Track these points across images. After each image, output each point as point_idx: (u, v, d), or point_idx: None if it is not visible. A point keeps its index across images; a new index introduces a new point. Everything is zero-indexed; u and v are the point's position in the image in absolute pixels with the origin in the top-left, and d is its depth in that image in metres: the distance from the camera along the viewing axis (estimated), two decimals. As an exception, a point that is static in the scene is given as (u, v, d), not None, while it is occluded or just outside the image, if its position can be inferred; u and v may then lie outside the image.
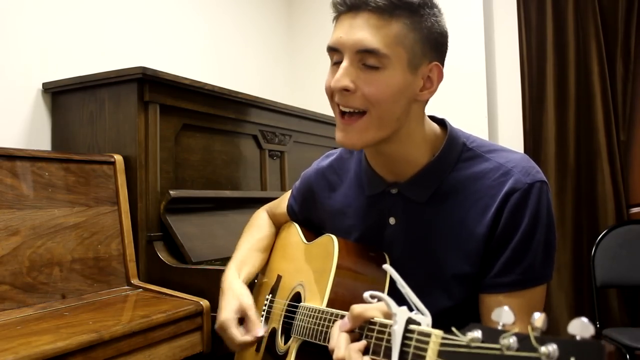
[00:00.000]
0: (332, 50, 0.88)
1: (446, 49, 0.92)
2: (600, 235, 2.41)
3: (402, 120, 0.89)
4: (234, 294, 1.08)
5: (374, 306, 0.72)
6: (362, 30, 0.83)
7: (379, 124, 0.87)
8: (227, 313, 1.05)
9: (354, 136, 0.88)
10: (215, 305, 1.33)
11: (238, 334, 1.03)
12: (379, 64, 0.84)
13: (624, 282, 2.37)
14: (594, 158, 2.61)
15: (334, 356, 0.72)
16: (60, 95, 1.77)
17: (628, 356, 2.04)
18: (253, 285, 1.18)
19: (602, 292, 2.48)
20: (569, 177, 2.66)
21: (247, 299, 1.07)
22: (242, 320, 1.06)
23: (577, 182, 2.65)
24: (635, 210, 2.60)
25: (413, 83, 0.87)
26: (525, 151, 2.69)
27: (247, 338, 1.02)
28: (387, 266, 0.73)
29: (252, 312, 1.05)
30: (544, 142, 2.69)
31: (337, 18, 0.89)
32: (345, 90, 0.85)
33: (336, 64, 0.88)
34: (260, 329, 1.04)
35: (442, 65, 0.91)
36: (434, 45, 0.88)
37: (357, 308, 0.72)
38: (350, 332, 0.73)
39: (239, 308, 1.05)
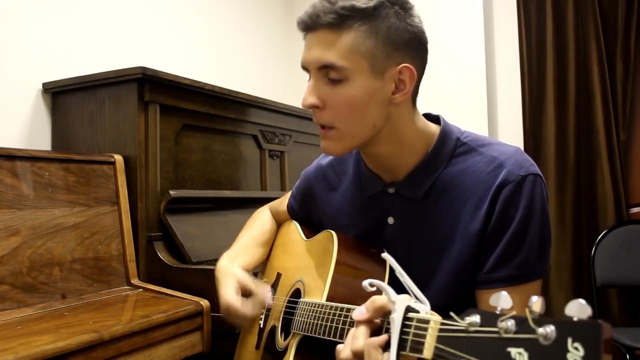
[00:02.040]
0: (304, 69, 0.92)
1: (421, 47, 0.89)
2: (600, 235, 2.41)
3: (380, 124, 0.88)
4: (230, 274, 1.09)
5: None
6: (316, 48, 0.86)
7: (349, 134, 0.89)
8: (228, 294, 1.05)
9: (331, 145, 0.91)
10: (215, 306, 1.33)
11: (247, 311, 1.04)
12: (341, 76, 0.85)
13: (624, 282, 2.37)
14: (594, 158, 2.61)
15: (352, 347, 0.68)
16: (60, 95, 1.77)
17: (628, 356, 2.04)
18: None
19: (602, 292, 2.48)
20: (569, 177, 2.65)
21: (243, 275, 1.09)
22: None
23: (577, 182, 2.65)
24: (635, 210, 2.60)
25: (383, 88, 0.86)
26: (525, 151, 2.68)
27: (258, 311, 1.05)
28: (385, 254, 0.72)
29: (253, 285, 1.07)
30: (544, 142, 2.69)
31: (304, 37, 0.92)
32: (315, 107, 0.88)
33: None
34: (267, 296, 1.06)
35: (418, 64, 0.88)
36: (398, 46, 0.85)
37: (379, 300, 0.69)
38: (370, 323, 0.70)
39: (239, 286, 1.07)
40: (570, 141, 2.65)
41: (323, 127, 0.90)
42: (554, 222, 2.60)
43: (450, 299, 0.90)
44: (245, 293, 1.07)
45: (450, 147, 0.93)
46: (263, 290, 1.07)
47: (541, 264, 0.87)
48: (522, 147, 2.71)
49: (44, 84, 1.77)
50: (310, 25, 0.87)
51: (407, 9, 0.86)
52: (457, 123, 0.98)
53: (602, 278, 2.36)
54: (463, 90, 2.71)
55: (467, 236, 0.88)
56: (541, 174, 0.88)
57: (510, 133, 2.76)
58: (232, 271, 1.10)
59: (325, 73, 0.86)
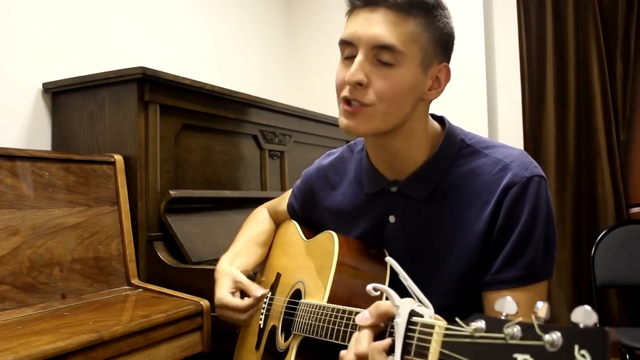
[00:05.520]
0: (346, 43, 0.88)
1: (452, 50, 0.93)
2: (600, 235, 2.41)
3: (408, 117, 0.90)
4: (225, 274, 1.11)
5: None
6: (379, 26, 0.84)
7: (384, 117, 0.87)
8: (221, 290, 1.07)
9: (360, 123, 0.88)
10: (215, 306, 1.33)
11: (239, 301, 1.05)
12: (394, 60, 0.85)
13: (624, 282, 2.37)
14: (594, 158, 2.61)
15: (356, 350, 0.68)
16: (60, 95, 1.77)
17: (628, 356, 2.04)
18: (252, 281, 1.19)
19: (602, 292, 2.48)
20: (569, 177, 2.65)
21: (237, 274, 1.10)
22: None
23: (577, 182, 2.65)
24: (635, 210, 2.60)
25: (423, 82, 0.89)
26: (525, 151, 2.68)
27: (249, 300, 1.05)
28: (389, 259, 0.72)
29: (245, 281, 1.08)
30: (544, 142, 2.69)
31: (350, 12, 0.89)
32: (359, 84, 0.86)
33: (347, 58, 0.89)
34: (259, 290, 1.06)
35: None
36: (444, 46, 0.90)
37: (383, 305, 0.68)
38: (374, 328, 0.70)
39: (232, 283, 1.08)
40: (570, 141, 2.65)
41: (349, 104, 0.88)
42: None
43: (455, 301, 0.91)
44: (243, 293, 1.07)
45: (455, 148, 0.94)
46: (254, 287, 1.07)
47: (547, 264, 0.87)
48: (522, 147, 2.72)
49: (44, 84, 1.77)
50: (374, 0, 0.85)
51: (450, 15, 0.91)
52: (457, 123, 0.99)
53: (602, 278, 2.36)
54: (463, 90, 2.70)
55: (471, 237, 0.89)
56: (545, 176, 0.89)
57: (510, 133, 2.76)
58: (228, 271, 1.11)
59: (376, 53, 0.85)
